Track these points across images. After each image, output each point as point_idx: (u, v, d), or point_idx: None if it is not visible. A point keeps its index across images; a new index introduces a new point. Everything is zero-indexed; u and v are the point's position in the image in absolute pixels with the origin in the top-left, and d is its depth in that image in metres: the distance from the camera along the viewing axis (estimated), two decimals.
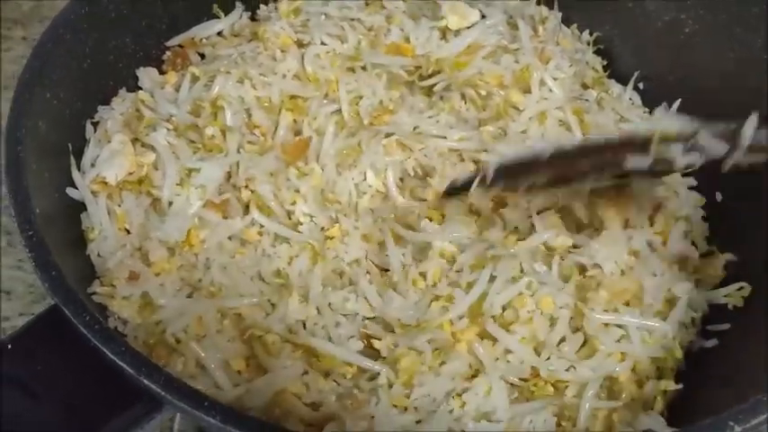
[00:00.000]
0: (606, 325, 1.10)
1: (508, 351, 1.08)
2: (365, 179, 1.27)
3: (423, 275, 1.17)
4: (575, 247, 1.18)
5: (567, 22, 1.55)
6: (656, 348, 1.12)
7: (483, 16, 1.42)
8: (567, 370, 1.08)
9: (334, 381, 1.08)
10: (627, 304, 1.13)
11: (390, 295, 1.15)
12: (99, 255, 1.19)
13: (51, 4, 1.83)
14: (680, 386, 1.10)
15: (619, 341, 1.10)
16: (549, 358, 1.08)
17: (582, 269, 1.16)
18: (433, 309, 1.12)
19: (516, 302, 1.10)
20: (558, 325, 1.10)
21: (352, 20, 1.43)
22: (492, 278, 1.12)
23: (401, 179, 1.29)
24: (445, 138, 1.31)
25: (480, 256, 1.16)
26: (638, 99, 1.48)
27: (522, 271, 1.13)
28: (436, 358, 1.08)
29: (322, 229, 1.23)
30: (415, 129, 1.32)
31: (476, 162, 1.29)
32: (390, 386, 1.06)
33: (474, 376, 1.07)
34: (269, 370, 1.09)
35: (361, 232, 1.23)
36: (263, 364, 1.10)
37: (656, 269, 1.18)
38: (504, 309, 1.11)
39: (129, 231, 1.22)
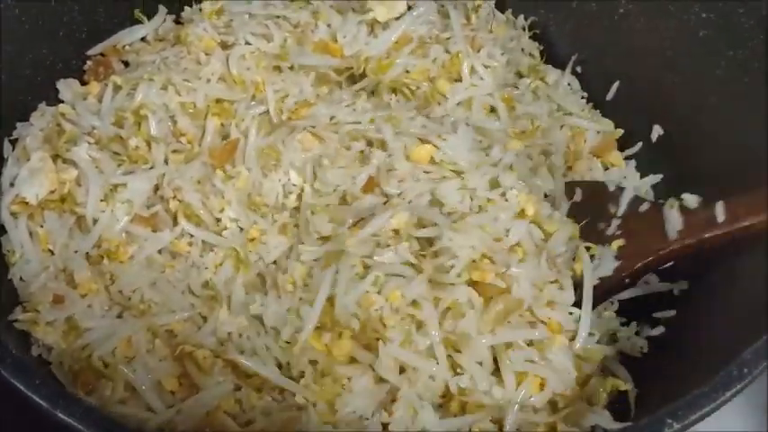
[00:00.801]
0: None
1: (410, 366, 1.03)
2: (289, 178, 1.22)
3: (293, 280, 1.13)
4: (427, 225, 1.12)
5: (501, 7, 1.51)
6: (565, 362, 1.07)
7: (409, 7, 1.37)
8: (485, 393, 1.03)
9: (269, 395, 1.04)
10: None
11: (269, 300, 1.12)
12: (22, 279, 1.15)
13: None
14: (628, 386, 1.08)
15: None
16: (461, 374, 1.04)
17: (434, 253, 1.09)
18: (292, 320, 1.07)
19: (363, 302, 1.04)
20: (428, 327, 1.04)
21: (278, 17, 1.38)
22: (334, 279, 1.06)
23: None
24: (360, 123, 1.26)
25: (328, 253, 1.11)
26: (576, 84, 1.45)
27: (365, 266, 1.07)
28: (335, 378, 1.03)
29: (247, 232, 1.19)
30: (331, 119, 1.27)
31: (369, 144, 1.24)
32: (315, 405, 1.02)
33: (393, 400, 1.01)
34: (201, 387, 1.05)
35: (278, 225, 1.19)
36: (196, 382, 1.06)
37: (535, 265, 1.11)
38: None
39: (52, 252, 1.17)
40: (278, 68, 1.35)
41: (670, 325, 1.16)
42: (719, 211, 1.07)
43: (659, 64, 1.31)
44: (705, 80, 1.23)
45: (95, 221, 1.18)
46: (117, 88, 1.30)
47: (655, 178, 1.32)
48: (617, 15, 1.37)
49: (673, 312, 1.16)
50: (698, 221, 1.09)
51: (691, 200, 1.12)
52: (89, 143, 1.22)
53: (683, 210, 1.12)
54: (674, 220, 1.11)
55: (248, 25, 1.36)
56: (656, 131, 1.32)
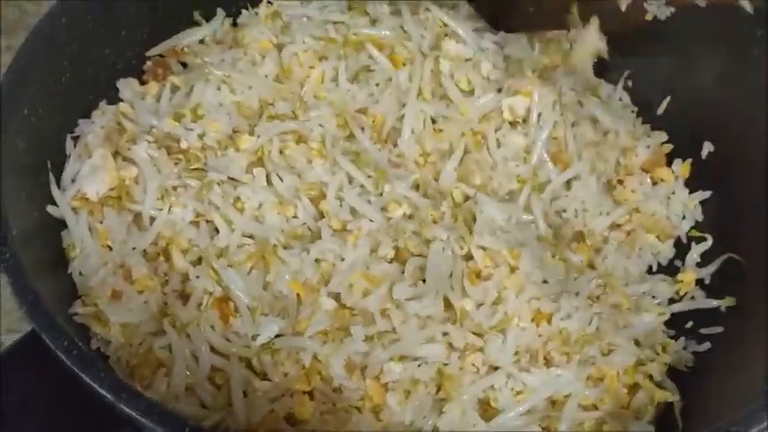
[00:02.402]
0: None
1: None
2: None
3: None
4: None
5: None
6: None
7: None
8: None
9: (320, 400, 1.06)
10: None
11: None
12: (81, 273, 1.16)
13: (37, 11, 1.80)
14: (675, 397, 1.10)
15: None
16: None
17: None
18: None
19: None
20: None
21: (335, 23, 1.39)
22: None
23: None
24: None
25: None
26: (627, 98, 1.45)
27: None
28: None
29: None
30: None
31: None
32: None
33: (444, 399, 1.05)
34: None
35: None
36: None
37: None
38: None
39: (111, 248, 1.19)
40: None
41: (716, 341, 1.17)
42: None
43: (710, 80, 1.32)
44: (757, 97, 1.23)
45: (152, 219, 1.20)
46: (175, 88, 1.33)
47: (703, 195, 1.32)
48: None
49: (720, 329, 1.17)
50: None
51: None
52: (148, 142, 1.24)
53: None
54: None
55: (307, 27, 1.37)
56: (707, 148, 1.33)
